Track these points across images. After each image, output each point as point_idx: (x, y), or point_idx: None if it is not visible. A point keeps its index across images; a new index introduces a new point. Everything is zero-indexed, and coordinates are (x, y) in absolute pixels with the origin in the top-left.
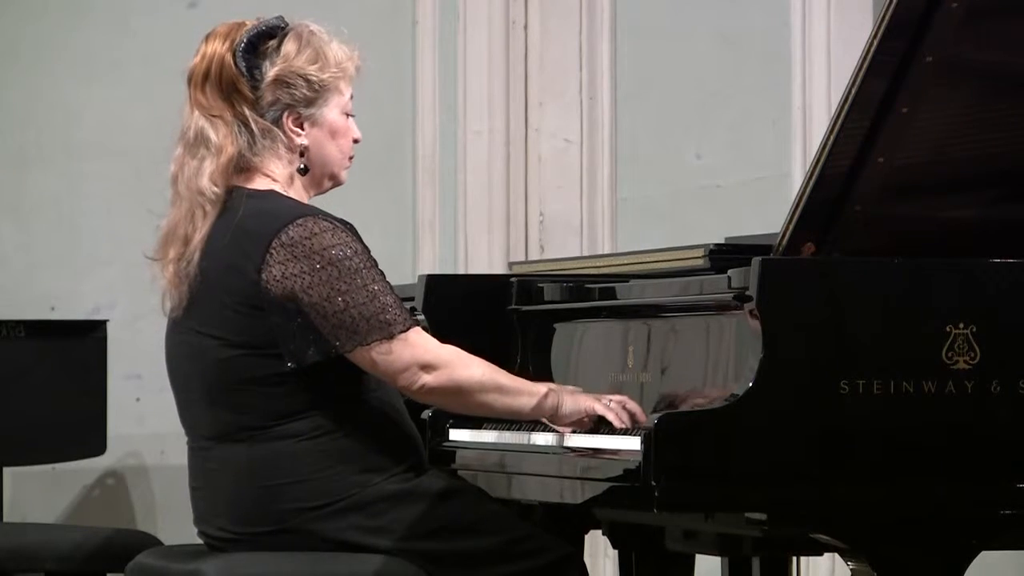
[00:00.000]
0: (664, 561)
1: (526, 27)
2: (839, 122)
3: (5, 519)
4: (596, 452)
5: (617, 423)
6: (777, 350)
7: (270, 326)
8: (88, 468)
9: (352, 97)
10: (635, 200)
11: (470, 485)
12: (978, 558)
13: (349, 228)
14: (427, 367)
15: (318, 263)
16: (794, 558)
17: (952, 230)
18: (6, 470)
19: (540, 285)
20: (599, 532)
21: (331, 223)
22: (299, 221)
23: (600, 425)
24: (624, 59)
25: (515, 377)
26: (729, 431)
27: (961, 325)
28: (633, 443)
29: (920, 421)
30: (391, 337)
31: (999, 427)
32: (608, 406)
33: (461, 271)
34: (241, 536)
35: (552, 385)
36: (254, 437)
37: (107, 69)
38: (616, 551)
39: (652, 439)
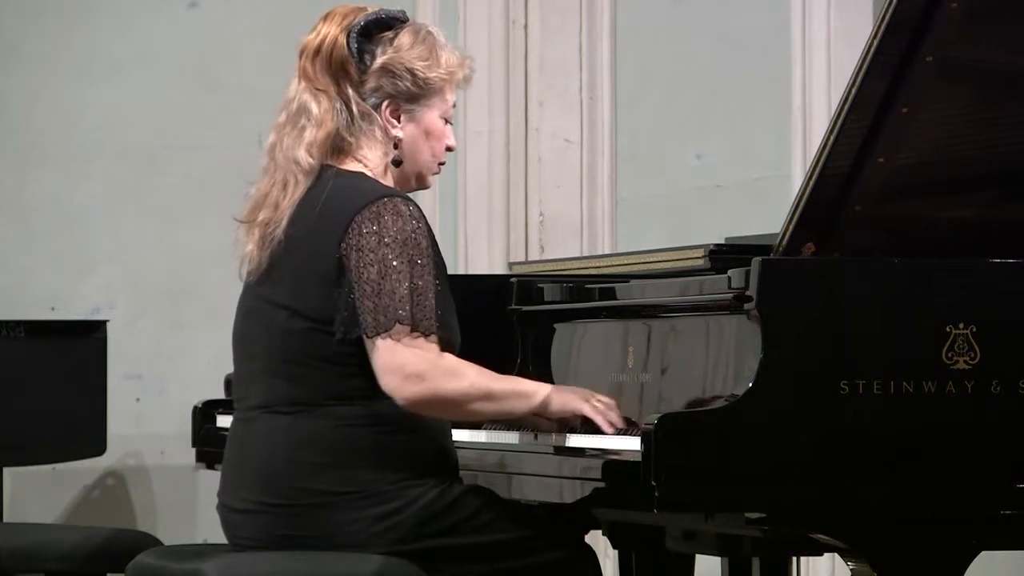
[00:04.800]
0: (664, 561)
1: (526, 27)
2: (839, 122)
3: (5, 519)
4: (596, 452)
5: (605, 427)
6: (777, 350)
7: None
8: (88, 468)
9: (455, 105)
10: (635, 200)
11: (485, 487)
12: (978, 558)
13: (426, 223)
14: (411, 376)
15: (386, 242)
16: (794, 558)
17: (952, 230)
18: (6, 470)
19: (540, 285)
20: (599, 532)
21: (410, 209)
22: (384, 200)
23: (584, 424)
24: (624, 59)
25: (506, 378)
26: (729, 431)
27: (961, 325)
28: (633, 443)
29: (920, 421)
30: (411, 330)
31: (999, 427)
32: (596, 407)
33: (461, 271)
34: (259, 507)
35: (541, 384)
36: (301, 412)
37: (107, 69)
38: (616, 551)
39: (652, 439)
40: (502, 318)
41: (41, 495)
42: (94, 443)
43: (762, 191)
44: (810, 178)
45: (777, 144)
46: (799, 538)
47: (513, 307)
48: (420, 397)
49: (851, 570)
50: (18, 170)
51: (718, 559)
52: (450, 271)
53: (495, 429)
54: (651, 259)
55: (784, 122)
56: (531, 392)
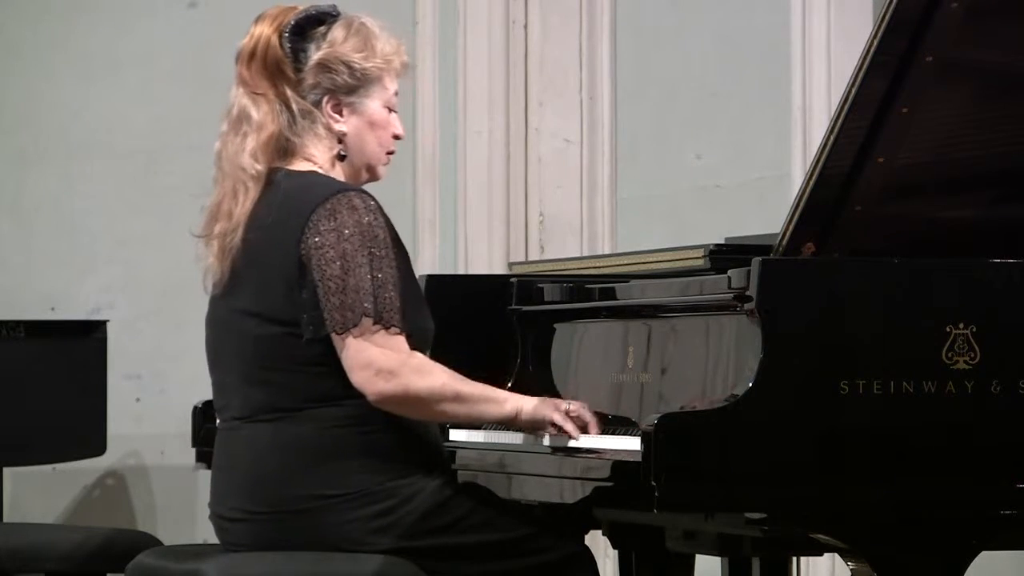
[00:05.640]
0: (664, 561)
1: (526, 27)
2: (839, 122)
3: (5, 519)
4: (596, 452)
5: (575, 434)
6: (777, 350)
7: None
8: (88, 468)
9: (397, 93)
10: (635, 200)
11: (480, 486)
12: (978, 558)
13: (383, 215)
14: (382, 372)
15: (346, 236)
16: (794, 558)
17: (952, 230)
18: (6, 470)
19: (540, 285)
20: (599, 532)
21: (365, 202)
22: (338, 195)
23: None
24: (624, 59)
25: (477, 384)
26: (729, 431)
27: (961, 325)
28: (633, 443)
29: (920, 421)
30: (374, 323)
31: (999, 427)
32: (566, 415)
33: (461, 271)
34: (251, 516)
35: (511, 393)
36: (283, 418)
37: (107, 69)
38: (616, 551)
39: (652, 439)
40: (502, 318)
41: (41, 495)
42: (94, 443)
43: (762, 191)
44: (810, 178)
45: (777, 144)
46: (799, 538)
47: (513, 307)
48: (391, 393)
49: (851, 570)
50: (18, 170)
51: (718, 559)
52: (450, 271)
53: (495, 429)
54: (651, 259)
55: (784, 122)
56: (501, 399)
